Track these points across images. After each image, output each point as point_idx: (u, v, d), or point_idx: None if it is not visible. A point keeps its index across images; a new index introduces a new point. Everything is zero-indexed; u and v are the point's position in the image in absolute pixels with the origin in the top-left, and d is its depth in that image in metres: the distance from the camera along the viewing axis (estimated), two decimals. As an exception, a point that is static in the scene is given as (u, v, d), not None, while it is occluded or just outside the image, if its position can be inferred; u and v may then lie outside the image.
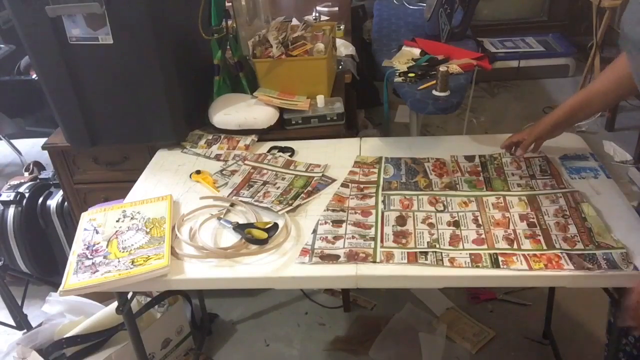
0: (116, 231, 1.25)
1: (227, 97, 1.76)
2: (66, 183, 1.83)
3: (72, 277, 1.14)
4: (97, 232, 1.26)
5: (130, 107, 1.59)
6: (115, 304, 1.40)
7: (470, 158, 1.45)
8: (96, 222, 1.30)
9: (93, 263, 1.17)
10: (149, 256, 1.16)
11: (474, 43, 2.19)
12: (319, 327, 2.03)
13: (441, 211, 1.25)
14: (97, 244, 1.22)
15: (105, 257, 1.18)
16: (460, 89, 1.69)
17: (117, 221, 1.29)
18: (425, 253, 1.11)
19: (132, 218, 1.29)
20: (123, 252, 1.19)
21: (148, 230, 1.24)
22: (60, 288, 1.12)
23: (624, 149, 2.87)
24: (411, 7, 2.76)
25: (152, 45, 1.48)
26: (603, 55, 3.16)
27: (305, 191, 1.36)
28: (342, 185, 1.38)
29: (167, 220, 1.27)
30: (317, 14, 2.56)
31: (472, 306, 2.05)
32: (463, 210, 1.24)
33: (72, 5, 1.40)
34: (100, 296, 1.75)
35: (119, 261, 1.16)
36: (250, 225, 1.23)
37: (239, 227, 1.22)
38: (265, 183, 1.40)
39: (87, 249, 1.21)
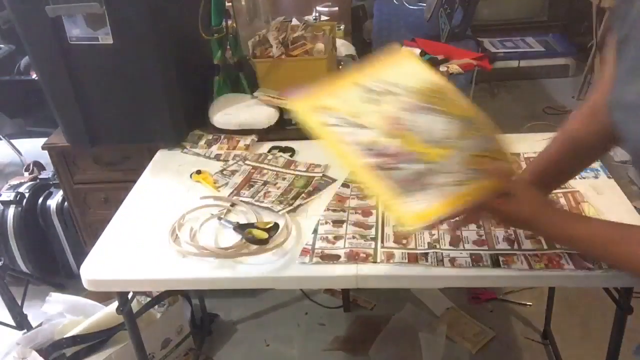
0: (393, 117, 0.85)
1: (227, 97, 1.76)
2: (66, 183, 1.83)
3: (407, 205, 0.79)
4: (358, 127, 0.85)
5: (130, 107, 1.59)
6: (115, 304, 1.41)
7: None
8: (336, 112, 0.88)
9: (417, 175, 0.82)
10: (483, 153, 0.84)
11: (474, 43, 2.20)
12: (319, 327, 2.03)
13: (441, 211, 1.24)
14: (374, 142, 0.83)
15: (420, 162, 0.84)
16: (460, 89, 1.69)
17: (366, 102, 0.88)
18: (426, 254, 1.11)
19: (389, 93, 0.89)
20: (434, 146, 0.84)
21: (438, 107, 0.88)
22: (404, 221, 0.82)
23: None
24: (411, 7, 2.76)
25: (152, 45, 1.48)
26: (603, 55, 3.16)
27: (305, 191, 1.36)
28: (343, 185, 1.38)
29: (448, 88, 0.91)
30: (317, 14, 2.55)
31: (472, 306, 2.05)
32: (463, 210, 1.24)
33: (72, 5, 1.40)
34: (101, 296, 1.75)
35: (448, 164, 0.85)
36: (250, 225, 1.23)
37: (239, 227, 1.22)
38: (265, 183, 1.40)
39: (384, 156, 0.83)
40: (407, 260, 1.10)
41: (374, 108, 0.91)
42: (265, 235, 1.18)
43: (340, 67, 2.05)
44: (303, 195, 1.34)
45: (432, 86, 0.96)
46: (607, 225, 0.93)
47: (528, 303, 2.04)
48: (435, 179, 0.87)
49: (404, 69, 0.98)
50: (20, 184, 2.28)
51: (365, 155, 0.87)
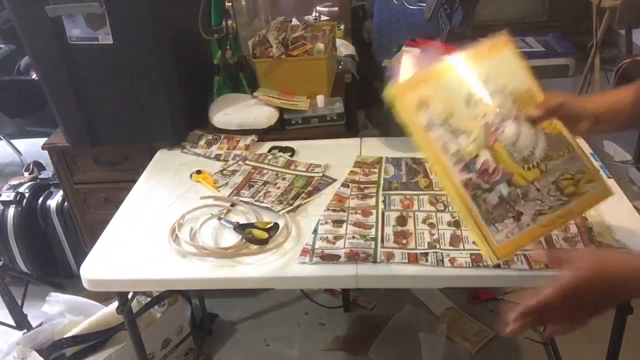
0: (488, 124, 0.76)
1: (227, 97, 1.76)
2: (66, 183, 1.83)
3: (493, 234, 0.76)
4: (455, 132, 0.78)
5: (130, 107, 1.59)
6: (115, 304, 1.41)
7: (470, 158, 1.44)
8: (433, 109, 0.80)
9: (504, 200, 0.74)
10: (572, 175, 0.77)
11: (474, 43, 2.19)
12: (319, 327, 2.03)
13: (442, 211, 1.25)
14: (475, 157, 0.76)
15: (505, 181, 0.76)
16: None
17: (463, 98, 0.81)
18: (426, 254, 1.11)
19: (487, 90, 0.79)
20: (523, 166, 0.77)
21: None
22: (489, 253, 0.79)
23: (624, 149, 2.87)
24: (411, 7, 2.76)
25: (152, 45, 1.48)
26: (603, 55, 3.16)
27: (305, 191, 1.36)
28: (343, 185, 1.38)
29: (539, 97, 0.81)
30: (317, 14, 2.56)
31: (472, 306, 2.05)
32: (463, 210, 1.24)
33: (72, 5, 1.40)
34: (101, 296, 1.75)
35: (534, 188, 0.76)
36: (250, 225, 1.23)
37: (239, 227, 1.22)
38: (265, 183, 1.40)
39: (475, 173, 0.76)
40: (407, 260, 1.10)
41: (471, 109, 0.86)
42: (265, 235, 1.18)
43: (340, 67, 2.06)
44: (303, 195, 1.34)
45: (524, 91, 0.89)
46: None
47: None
48: (520, 205, 0.83)
49: (503, 62, 0.91)
50: (20, 184, 2.28)
51: (462, 171, 0.83)
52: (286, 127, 1.68)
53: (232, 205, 1.34)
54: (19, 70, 2.96)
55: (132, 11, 1.42)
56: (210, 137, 1.66)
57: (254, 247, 1.17)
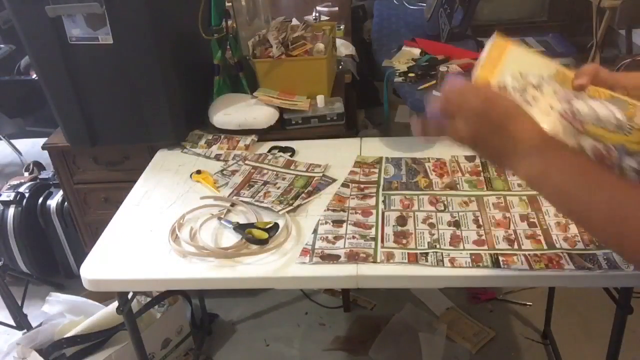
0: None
1: (227, 97, 1.76)
2: (66, 183, 1.83)
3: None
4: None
5: (130, 107, 1.59)
6: (115, 304, 1.41)
7: (470, 158, 1.44)
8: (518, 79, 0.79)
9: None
10: None
11: (474, 43, 2.19)
12: (319, 327, 2.03)
13: (442, 211, 1.25)
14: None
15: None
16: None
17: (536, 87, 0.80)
18: (426, 254, 1.11)
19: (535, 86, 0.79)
20: (624, 133, 0.75)
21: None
22: None
23: None
24: (411, 7, 2.76)
25: (152, 45, 1.48)
26: (603, 55, 3.16)
27: (305, 191, 1.36)
28: (343, 185, 1.38)
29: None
30: (317, 14, 2.56)
31: (472, 306, 2.06)
32: (464, 210, 1.24)
33: (72, 5, 1.40)
34: (101, 296, 1.75)
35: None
36: (250, 225, 1.23)
37: (239, 227, 1.22)
38: (265, 183, 1.40)
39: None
40: (407, 260, 1.10)
41: (538, 107, 0.79)
42: (265, 235, 1.18)
43: (340, 67, 2.06)
44: (303, 195, 1.34)
45: (557, 73, 0.83)
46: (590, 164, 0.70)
47: (528, 303, 2.03)
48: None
49: (520, 58, 0.84)
50: (20, 184, 2.28)
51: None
52: (286, 127, 1.68)
53: (232, 205, 1.34)
54: (19, 70, 2.96)
55: (132, 11, 1.42)
56: (210, 137, 1.66)
57: (254, 247, 1.17)
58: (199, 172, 1.48)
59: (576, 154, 0.71)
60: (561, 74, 0.83)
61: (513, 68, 0.82)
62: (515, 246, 1.12)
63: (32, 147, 3.31)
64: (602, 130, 0.76)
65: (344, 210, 1.28)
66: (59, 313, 1.79)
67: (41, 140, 1.78)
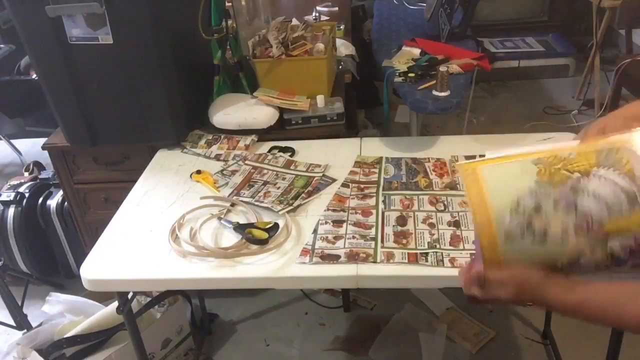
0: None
1: (227, 97, 1.76)
2: (66, 183, 1.83)
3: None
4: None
5: (130, 107, 1.59)
6: (115, 304, 1.41)
7: (470, 158, 1.44)
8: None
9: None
10: None
11: (474, 43, 2.19)
12: (319, 327, 2.03)
13: (442, 211, 1.25)
14: (613, 257, 0.74)
15: None
16: (460, 89, 1.69)
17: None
18: (426, 254, 1.11)
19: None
20: None
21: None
22: None
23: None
24: (411, 7, 2.75)
25: (152, 45, 1.48)
26: (603, 55, 3.16)
27: (305, 191, 1.36)
28: (343, 185, 1.38)
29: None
30: (317, 14, 2.56)
31: (472, 306, 2.05)
32: (464, 210, 1.24)
33: (72, 5, 1.40)
34: (101, 296, 1.75)
35: None
36: (250, 225, 1.23)
37: (239, 227, 1.22)
38: (265, 183, 1.40)
39: (629, 262, 0.75)
40: (407, 260, 1.10)
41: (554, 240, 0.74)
42: (265, 235, 1.18)
43: (340, 67, 2.06)
44: (303, 195, 1.34)
45: (543, 160, 0.77)
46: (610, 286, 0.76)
47: (528, 303, 2.03)
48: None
49: (500, 177, 0.79)
50: (20, 184, 2.28)
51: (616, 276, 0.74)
52: (286, 127, 1.68)
53: (232, 205, 1.34)
54: (19, 70, 2.96)
55: (132, 11, 1.42)
56: (210, 137, 1.66)
57: (254, 247, 1.17)
58: (199, 172, 1.48)
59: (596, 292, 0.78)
60: (545, 169, 0.76)
61: (501, 194, 0.76)
62: (515, 246, 1.12)
63: (32, 147, 3.31)
64: (621, 221, 0.71)
65: (344, 210, 1.28)
66: (59, 313, 1.79)
67: (41, 140, 1.78)
